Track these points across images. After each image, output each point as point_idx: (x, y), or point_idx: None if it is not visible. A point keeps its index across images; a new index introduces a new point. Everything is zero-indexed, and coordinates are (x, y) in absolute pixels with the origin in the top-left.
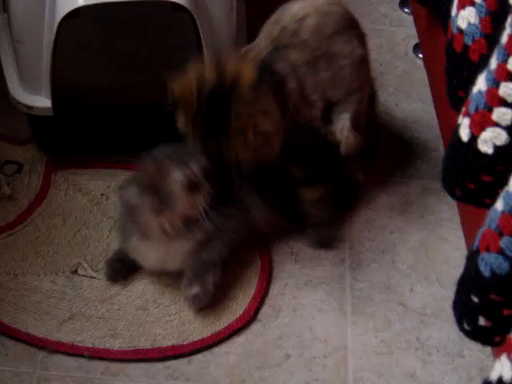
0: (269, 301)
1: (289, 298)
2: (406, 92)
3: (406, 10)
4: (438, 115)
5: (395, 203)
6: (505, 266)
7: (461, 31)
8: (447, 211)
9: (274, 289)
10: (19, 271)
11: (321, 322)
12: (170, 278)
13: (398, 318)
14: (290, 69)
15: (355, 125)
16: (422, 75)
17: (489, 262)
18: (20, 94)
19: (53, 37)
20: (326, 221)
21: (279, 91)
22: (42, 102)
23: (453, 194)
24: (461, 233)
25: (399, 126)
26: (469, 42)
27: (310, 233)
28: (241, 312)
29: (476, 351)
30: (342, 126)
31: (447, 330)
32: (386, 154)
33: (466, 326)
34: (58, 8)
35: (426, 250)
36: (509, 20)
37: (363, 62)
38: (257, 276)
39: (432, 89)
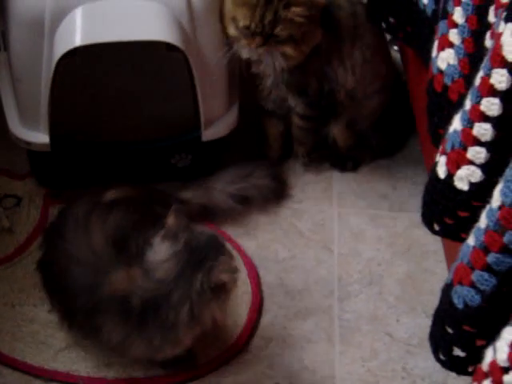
0: (259, 331)
1: (279, 329)
2: None
3: (395, 48)
4: (423, 151)
5: (383, 236)
6: (476, 298)
7: (441, 72)
8: (433, 244)
9: (265, 320)
10: (17, 302)
11: (310, 351)
12: None
13: (385, 348)
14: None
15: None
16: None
17: (462, 295)
18: (19, 130)
19: (51, 75)
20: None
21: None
22: (41, 137)
23: (432, 229)
24: (446, 265)
25: (387, 160)
26: (448, 82)
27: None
28: (232, 342)
29: (460, 380)
30: None
31: (432, 359)
32: (374, 188)
33: (441, 356)
34: (56, 47)
35: (412, 281)
36: (483, 63)
37: None
38: (248, 307)
39: (418, 125)
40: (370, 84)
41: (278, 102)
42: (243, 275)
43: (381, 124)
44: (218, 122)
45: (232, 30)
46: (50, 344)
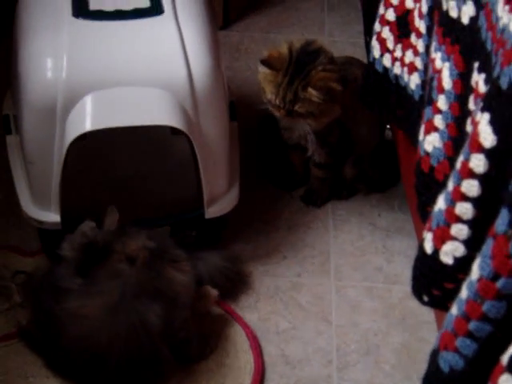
0: None
1: None
2: None
3: (388, 127)
4: (414, 225)
5: (379, 307)
6: (460, 362)
7: (427, 154)
8: (427, 315)
9: None
10: (30, 374)
11: None
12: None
13: None
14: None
15: None
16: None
17: (447, 360)
18: (31, 209)
19: (62, 158)
20: (320, 194)
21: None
22: (52, 217)
23: (421, 300)
24: None
25: (382, 235)
26: (434, 164)
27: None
28: None
29: None
30: None
31: None
32: (370, 261)
33: None
34: (68, 132)
35: (407, 350)
36: (463, 148)
37: None
38: (250, 377)
39: (408, 202)
40: (369, 128)
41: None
42: (245, 346)
43: (375, 162)
44: (220, 200)
45: (264, 98)
46: None
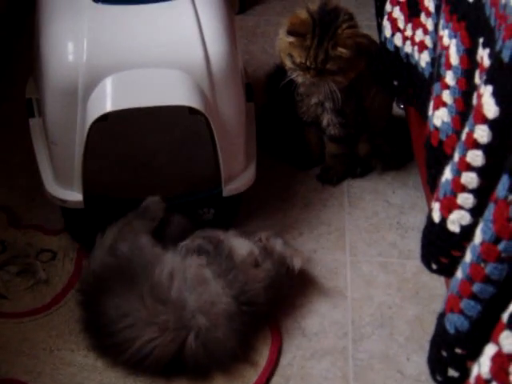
0: (279, 371)
1: (297, 368)
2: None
3: (401, 107)
4: (428, 203)
5: (393, 281)
6: (465, 324)
7: (436, 128)
8: (440, 288)
9: (284, 360)
10: (55, 347)
11: None
12: None
13: None
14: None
15: None
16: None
17: (453, 321)
18: (54, 189)
19: (84, 138)
20: (336, 172)
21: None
22: (75, 196)
23: (430, 268)
24: None
25: (396, 211)
26: (443, 138)
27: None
28: (254, 381)
29: None
30: None
31: None
32: (384, 237)
33: (438, 378)
34: (89, 113)
35: (421, 323)
36: (468, 120)
37: None
38: (268, 349)
39: (422, 178)
40: (380, 104)
41: (315, 119)
42: (263, 321)
43: (389, 138)
44: (237, 178)
45: (289, 64)
46: None
